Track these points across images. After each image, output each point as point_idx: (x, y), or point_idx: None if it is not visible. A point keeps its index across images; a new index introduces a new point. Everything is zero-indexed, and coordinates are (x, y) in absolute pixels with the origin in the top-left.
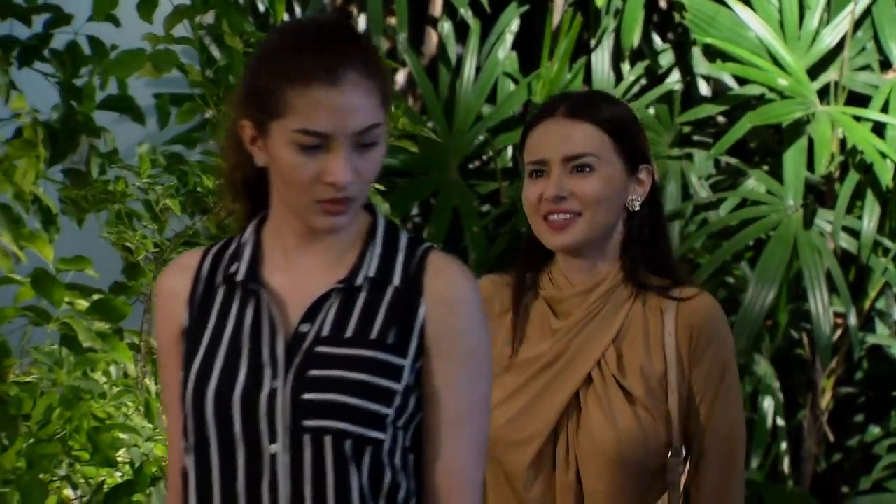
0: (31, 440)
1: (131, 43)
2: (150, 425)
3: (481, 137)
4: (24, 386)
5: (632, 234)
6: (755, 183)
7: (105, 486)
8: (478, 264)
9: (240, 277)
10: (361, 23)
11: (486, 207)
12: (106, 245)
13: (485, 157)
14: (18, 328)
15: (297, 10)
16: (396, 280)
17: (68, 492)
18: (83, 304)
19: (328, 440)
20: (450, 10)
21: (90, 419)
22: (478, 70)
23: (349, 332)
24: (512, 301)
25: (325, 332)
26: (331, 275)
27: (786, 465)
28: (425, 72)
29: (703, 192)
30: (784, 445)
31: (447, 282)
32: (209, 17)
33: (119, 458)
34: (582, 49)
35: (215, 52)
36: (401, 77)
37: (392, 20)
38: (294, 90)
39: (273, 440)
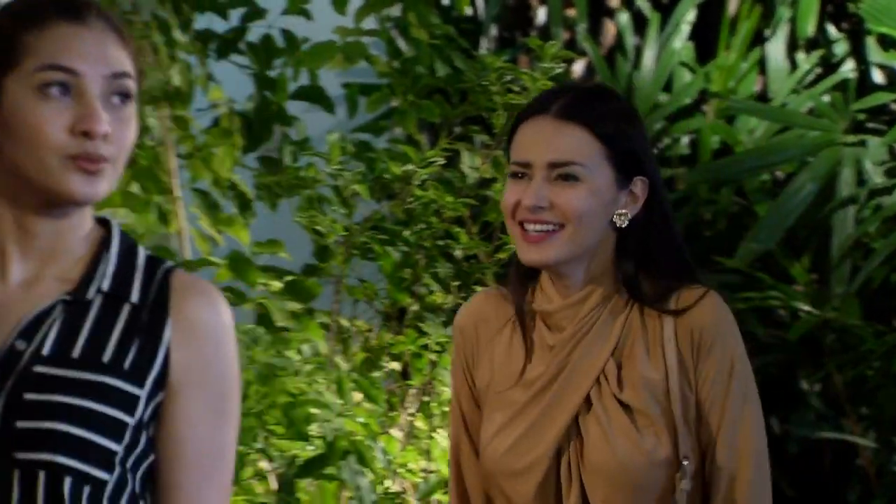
0: None
1: (322, 35)
2: (341, 401)
3: (658, 126)
4: None
5: (623, 248)
6: None
7: (298, 460)
8: None
9: None
10: (541, 15)
11: None
12: (298, 229)
13: (661, 145)
14: None
15: (480, 3)
16: (135, 297)
17: (264, 464)
18: (277, 285)
19: (42, 477)
20: (627, 1)
21: (284, 395)
22: (655, 60)
23: (76, 353)
24: (517, 313)
25: (46, 350)
26: (55, 287)
27: None
28: (603, 61)
29: (877, 177)
30: None
31: (198, 304)
32: (396, 10)
33: (312, 433)
34: (757, 38)
35: (402, 44)
36: (579, 67)
37: (571, 12)
38: (32, 32)
39: None
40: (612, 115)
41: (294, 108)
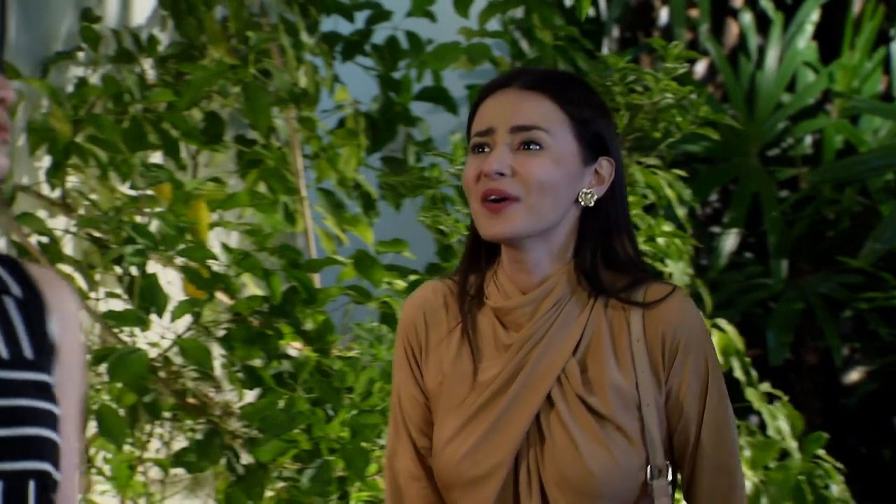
0: (354, 411)
1: (446, 37)
2: None
3: (781, 125)
4: (347, 360)
5: (584, 233)
6: None
7: None
8: (777, 248)
9: None
10: (663, 15)
11: (784, 193)
12: (421, 228)
13: (784, 145)
14: (341, 306)
15: (602, 4)
16: (16, 291)
17: None
18: (401, 283)
19: (32, 487)
20: (751, 1)
21: None
22: (779, 60)
23: (5, 353)
24: (459, 311)
25: None
26: None
27: None
28: (726, 61)
29: None
30: None
31: (69, 298)
32: (520, 12)
33: None
34: (881, 38)
35: (525, 45)
36: (701, 67)
37: (694, 12)
38: None
39: None
40: (577, 93)
41: (418, 108)
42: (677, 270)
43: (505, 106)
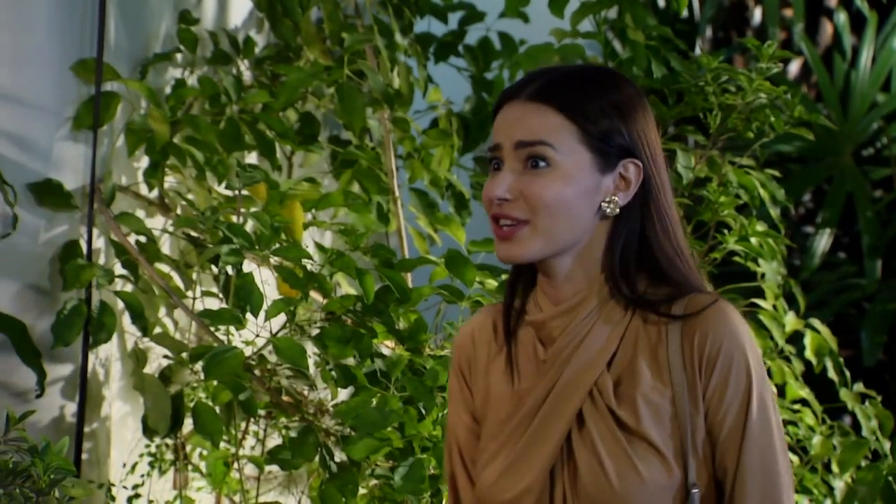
0: (446, 410)
1: (539, 38)
2: None
3: (875, 125)
4: (439, 359)
5: (613, 243)
6: None
7: None
8: (871, 249)
9: None
10: (757, 15)
11: (878, 193)
12: None
13: (878, 145)
14: (433, 305)
15: (696, 5)
16: None
17: None
18: (493, 283)
19: None
20: (845, 1)
21: None
22: (873, 59)
23: None
24: (504, 330)
25: None
26: None
27: None
28: (820, 61)
29: None
30: None
31: None
32: (613, 13)
33: None
34: None
35: (618, 46)
36: (795, 67)
37: (788, 11)
38: None
39: None
40: (588, 94)
41: None
42: (770, 270)
43: (510, 120)
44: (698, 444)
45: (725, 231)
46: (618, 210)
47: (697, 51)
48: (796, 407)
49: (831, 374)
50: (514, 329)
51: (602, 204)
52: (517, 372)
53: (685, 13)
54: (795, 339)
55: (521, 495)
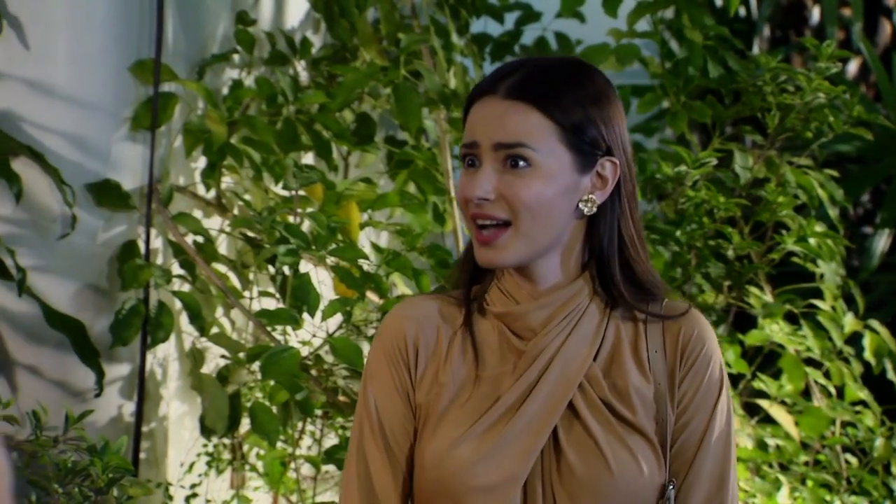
0: None
1: (595, 38)
2: None
3: None
4: None
5: (593, 241)
6: None
7: None
8: None
9: None
10: (815, 14)
11: None
12: None
13: None
14: None
15: (753, 4)
16: None
17: None
18: None
19: None
20: None
21: None
22: None
23: None
24: (465, 318)
25: None
26: None
27: None
28: (879, 60)
29: None
30: None
31: None
32: (670, 12)
33: None
34: None
35: (674, 46)
36: (854, 66)
37: (846, 10)
38: None
39: None
40: (567, 93)
41: None
42: (829, 271)
43: (488, 118)
44: (672, 434)
45: (784, 231)
46: (594, 209)
47: (755, 50)
48: (857, 409)
49: (890, 375)
50: (470, 315)
51: (580, 203)
52: (481, 363)
53: (742, 12)
54: (854, 340)
55: (504, 482)
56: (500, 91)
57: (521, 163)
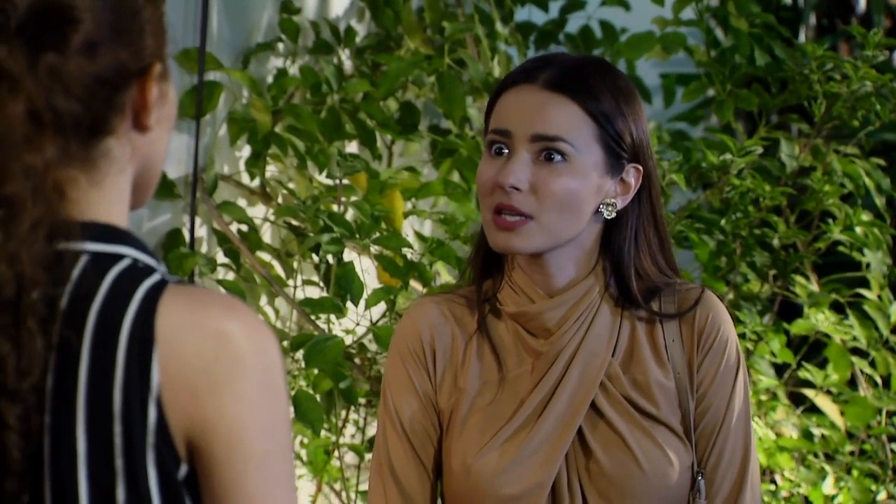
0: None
1: (640, 26)
2: None
3: None
4: None
5: (610, 242)
6: None
7: None
8: None
9: None
10: (862, 2)
11: None
12: None
13: None
14: None
15: None
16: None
17: None
18: None
19: None
20: None
21: None
22: None
23: None
24: (479, 319)
25: None
26: None
27: None
28: None
29: None
30: None
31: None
32: (715, 0)
33: None
34: None
35: (720, 34)
36: None
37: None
38: None
39: None
40: (606, 92)
41: None
42: (875, 260)
43: (526, 108)
44: (695, 421)
45: (830, 220)
46: (613, 214)
47: (802, 39)
48: None
49: None
50: (485, 318)
51: (601, 206)
52: (500, 365)
53: (788, 1)
54: None
55: (530, 489)
56: (538, 81)
57: (557, 157)
